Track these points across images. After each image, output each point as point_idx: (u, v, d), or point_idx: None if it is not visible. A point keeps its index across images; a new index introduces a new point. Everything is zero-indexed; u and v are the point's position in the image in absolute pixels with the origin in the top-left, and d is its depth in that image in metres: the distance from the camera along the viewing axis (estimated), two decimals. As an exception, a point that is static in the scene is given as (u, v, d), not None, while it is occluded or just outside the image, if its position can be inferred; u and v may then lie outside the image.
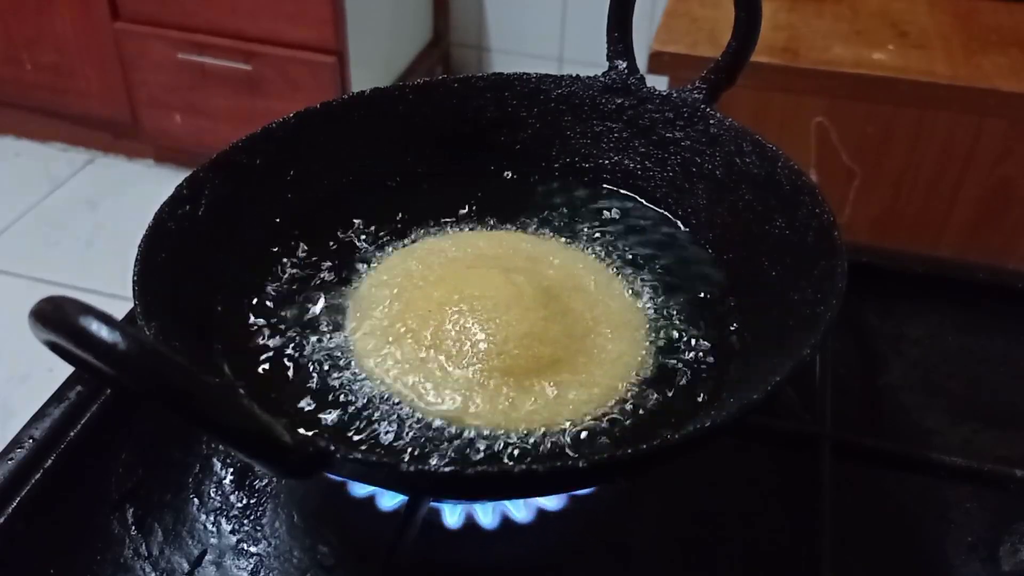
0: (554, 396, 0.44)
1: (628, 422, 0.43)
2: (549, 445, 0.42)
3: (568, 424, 0.43)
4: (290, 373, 0.46)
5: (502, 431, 0.43)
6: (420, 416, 0.43)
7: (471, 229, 0.55)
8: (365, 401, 0.44)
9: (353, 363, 0.46)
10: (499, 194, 0.58)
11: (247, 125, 0.53)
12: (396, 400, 0.44)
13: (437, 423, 0.43)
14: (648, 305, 0.50)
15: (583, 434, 0.42)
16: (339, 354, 0.47)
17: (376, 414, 0.43)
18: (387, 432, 0.42)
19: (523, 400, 0.44)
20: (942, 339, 0.60)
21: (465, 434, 0.42)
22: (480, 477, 0.35)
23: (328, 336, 0.48)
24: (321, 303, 0.50)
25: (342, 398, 0.44)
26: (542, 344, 0.45)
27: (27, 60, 1.89)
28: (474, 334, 0.45)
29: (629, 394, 0.45)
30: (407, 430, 0.42)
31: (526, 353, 0.45)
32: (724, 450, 0.49)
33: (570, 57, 1.99)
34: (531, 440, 0.42)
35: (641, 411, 0.44)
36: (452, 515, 0.45)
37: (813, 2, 1.12)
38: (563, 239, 0.55)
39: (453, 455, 0.41)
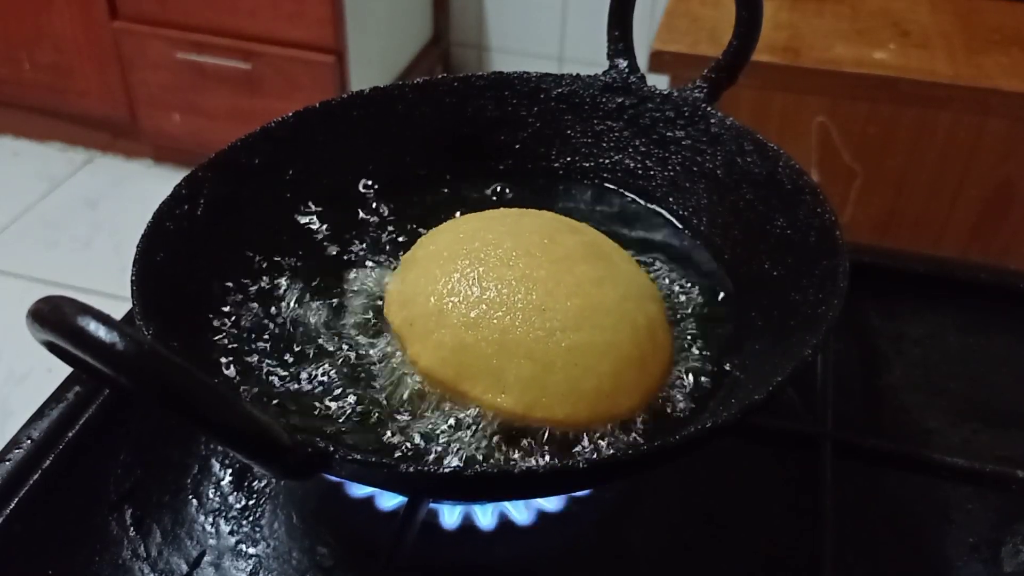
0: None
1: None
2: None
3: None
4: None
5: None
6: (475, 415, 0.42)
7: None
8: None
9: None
10: (499, 194, 0.58)
11: (247, 125, 0.53)
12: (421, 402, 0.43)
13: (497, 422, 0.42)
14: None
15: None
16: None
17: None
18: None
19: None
20: (943, 339, 0.59)
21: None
22: (479, 478, 0.35)
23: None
24: (321, 302, 0.49)
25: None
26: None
27: (26, 60, 1.89)
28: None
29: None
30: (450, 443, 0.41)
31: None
32: (725, 450, 0.49)
33: (570, 56, 1.99)
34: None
35: (643, 412, 0.44)
36: (451, 516, 0.45)
37: (814, 1, 1.12)
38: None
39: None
